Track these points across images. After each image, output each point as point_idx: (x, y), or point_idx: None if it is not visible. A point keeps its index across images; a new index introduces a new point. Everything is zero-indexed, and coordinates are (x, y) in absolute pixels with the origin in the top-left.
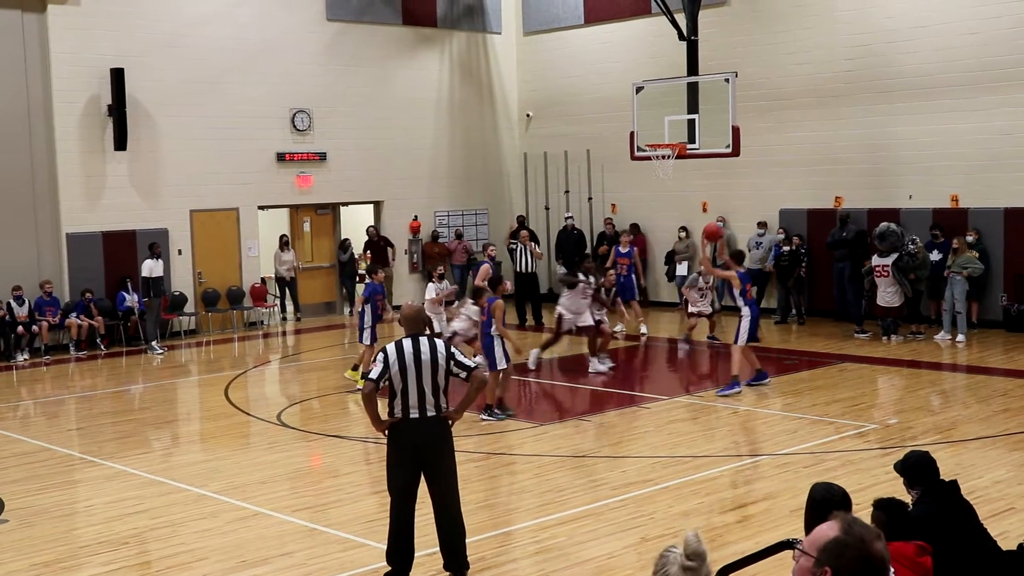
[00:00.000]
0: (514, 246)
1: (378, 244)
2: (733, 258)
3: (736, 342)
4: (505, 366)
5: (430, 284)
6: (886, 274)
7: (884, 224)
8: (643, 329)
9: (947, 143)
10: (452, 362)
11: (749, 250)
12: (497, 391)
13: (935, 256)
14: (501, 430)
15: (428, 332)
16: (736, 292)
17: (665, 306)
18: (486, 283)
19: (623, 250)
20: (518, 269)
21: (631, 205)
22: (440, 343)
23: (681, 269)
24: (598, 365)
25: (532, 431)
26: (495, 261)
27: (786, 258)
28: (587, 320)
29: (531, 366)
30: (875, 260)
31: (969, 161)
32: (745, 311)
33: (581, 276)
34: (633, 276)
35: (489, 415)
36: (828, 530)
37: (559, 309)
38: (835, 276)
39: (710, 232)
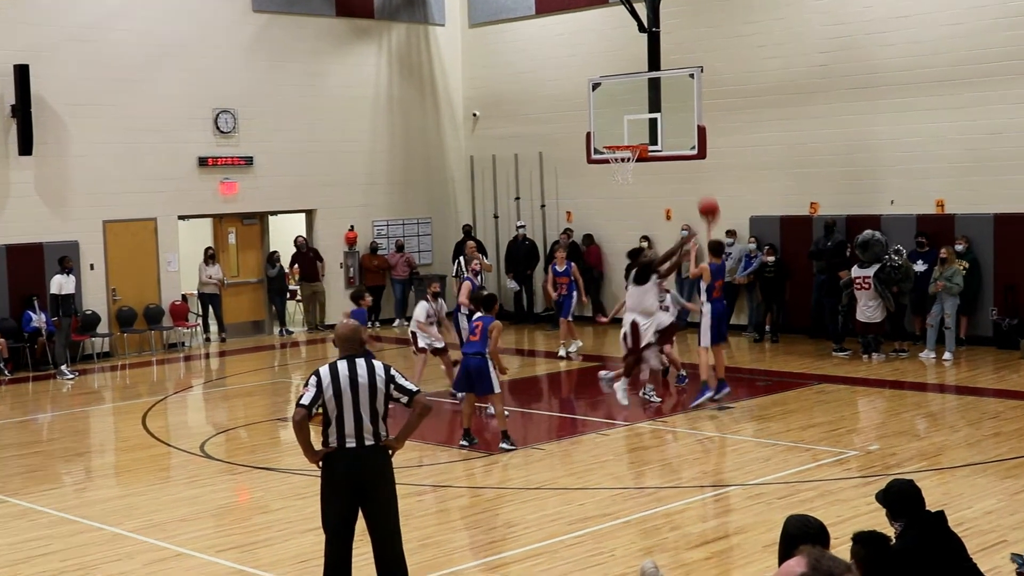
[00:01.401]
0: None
1: (307, 256)
2: (710, 249)
3: (700, 344)
4: (500, 390)
5: (422, 302)
6: (867, 286)
7: (868, 232)
8: (564, 351)
9: (931, 143)
10: (392, 386)
11: None
12: (470, 416)
13: (920, 267)
14: (447, 460)
15: (367, 352)
16: (703, 286)
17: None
18: (480, 301)
19: (560, 268)
20: None
21: (587, 213)
22: (379, 365)
23: None
24: (649, 394)
25: (481, 461)
26: (479, 276)
27: (771, 270)
28: (664, 320)
29: (622, 400)
30: (855, 271)
31: (955, 163)
32: (705, 308)
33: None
34: (574, 295)
35: (509, 444)
36: (795, 566)
37: (631, 317)
38: (814, 289)
39: (709, 207)
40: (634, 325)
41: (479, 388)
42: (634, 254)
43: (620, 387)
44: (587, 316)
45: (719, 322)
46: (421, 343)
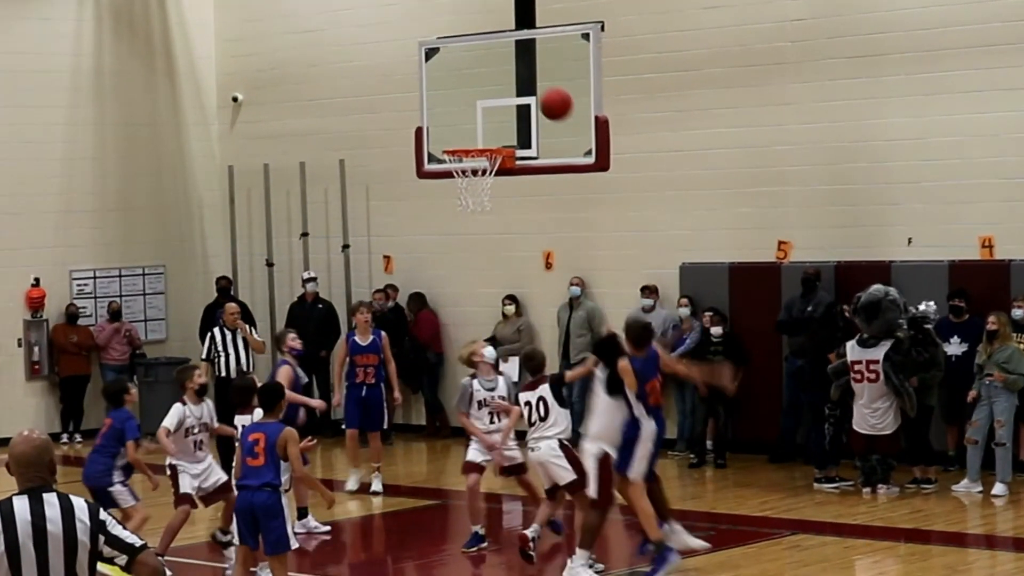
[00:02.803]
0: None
1: None
2: (628, 335)
3: (627, 471)
4: (297, 545)
5: (177, 405)
6: (873, 377)
7: (876, 289)
8: (377, 483)
9: (971, 147)
10: (103, 538)
11: None
12: None
13: (955, 346)
14: None
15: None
16: (632, 395)
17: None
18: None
19: (362, 341)
20: (221, 371)
21: (418, 259)
22: (80, 503)
23: (508, 368)
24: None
25: None
26: (298, 357)
27: (716, 349)
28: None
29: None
30: (852, 352)
31: (1010, 178)
32: (646, 426)
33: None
34: (382, 387)
35: None
36: None
37: (596, 446)
38: (785, 381)
39: (556, 100)
40: (604, 460)
41: (268, 540)
42: (604, 346)
43: (585, 570)
44: (415, 426)
45: (654, 446)
46: (184, 487)
